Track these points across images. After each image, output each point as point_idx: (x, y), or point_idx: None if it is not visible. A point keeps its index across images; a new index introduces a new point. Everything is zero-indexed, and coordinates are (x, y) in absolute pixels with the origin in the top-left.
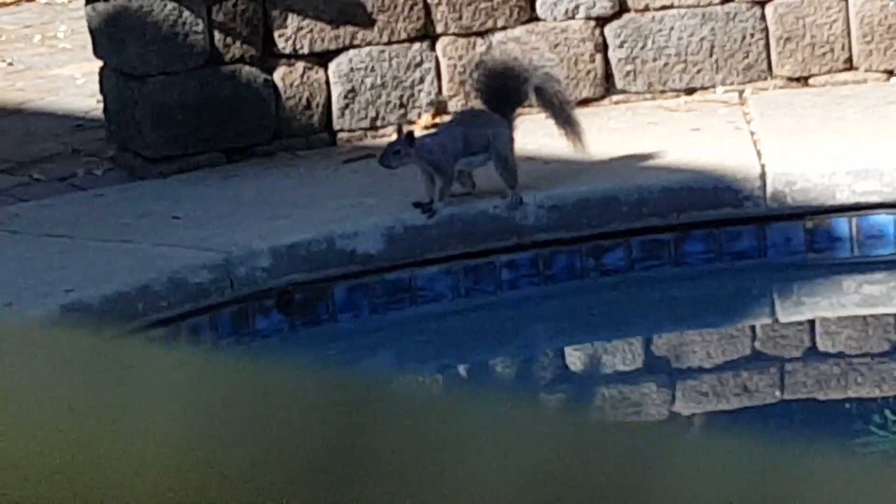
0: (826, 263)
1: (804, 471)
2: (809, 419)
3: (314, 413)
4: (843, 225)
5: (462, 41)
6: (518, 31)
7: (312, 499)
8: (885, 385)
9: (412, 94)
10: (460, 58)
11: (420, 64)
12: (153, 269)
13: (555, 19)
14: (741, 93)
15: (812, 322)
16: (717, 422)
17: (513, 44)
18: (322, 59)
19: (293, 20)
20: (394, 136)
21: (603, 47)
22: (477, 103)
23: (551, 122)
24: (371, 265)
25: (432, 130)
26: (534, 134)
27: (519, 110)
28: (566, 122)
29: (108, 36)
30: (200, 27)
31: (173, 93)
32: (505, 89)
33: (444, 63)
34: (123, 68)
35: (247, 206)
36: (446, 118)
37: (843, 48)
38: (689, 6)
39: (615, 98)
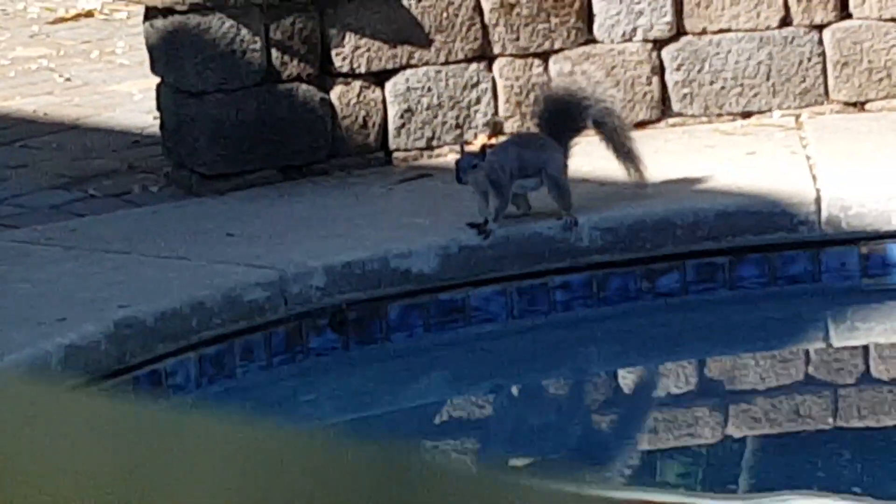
0: (881, 289)
1: None
2: (862, 445)
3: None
4: None
5: (519, 62)
6: (579, 58)
7: None
8: None
9: (468, 115)
10: (517, 79)
11: (477, 84)
12: (207, 286)
13: (612, 41)
14: (797, 117)
15: (866, 348)
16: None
17: (576, 75)
18: (379, 78)
19: (350, 39)
20: (450, 156)
21: (660, 70)
22: (534, 127)
23: (611, 154)
24: (425, 285)
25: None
26: (589, 156)
27: (576, 139)
28: (627, 157)
29: (165, 53)
30: (258, 45)
31: (230, 110)
32: (563, 117)
33: (500, 84)
34: (180, 85)
35: (302, 224)
36: (502, 139)
37: None
38: (746, 30)
39: (671, 121)
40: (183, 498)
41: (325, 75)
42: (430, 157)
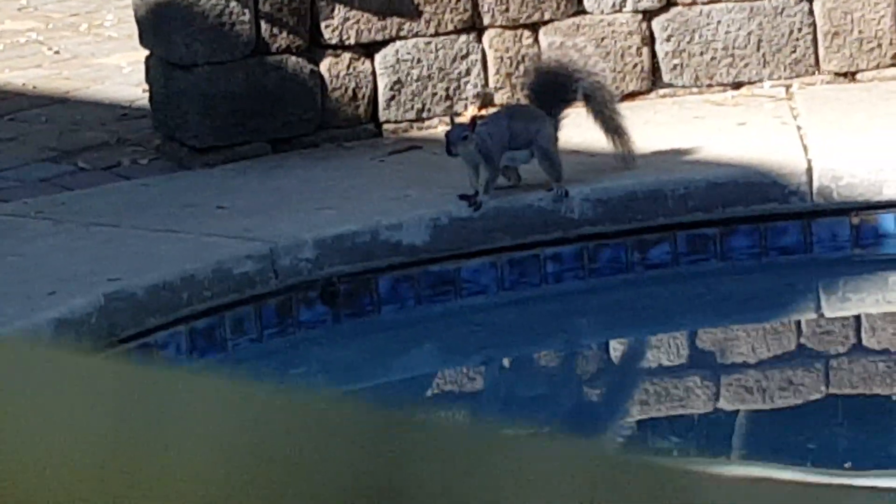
0: (872, 259)
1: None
2: (854, 415)
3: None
4: (889, 220)
5: (509, 33)
6: (569, 29)
7: None
8: None
9: (458, 86)
10: (507, 50)
11: (466, 56)
12: (198, 259)
13: (602, 12)
14: (788, 87)
15: (857, 318)
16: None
17: (568, 48)
18: (368, 50)
19: (340, 11)
20: (440, 128)
21: (650, 41)
22: (524, 99)
23: (599, 129)
24: (416, 257)
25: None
26: (580, 127)
27: (566, 111)
28: (615, 133)
29: (154, 25)
30: (247, 17)
31: (219, 83)
32: (554, 87)
33: (490, 55)
34: (170, 58)
35: (292, 196)
36: (492, 110)
37: (890, 43)
38: (736, 0)
39: (662, 92)
40: (179, 457)
41: (315, 47)
42: (420, 128)
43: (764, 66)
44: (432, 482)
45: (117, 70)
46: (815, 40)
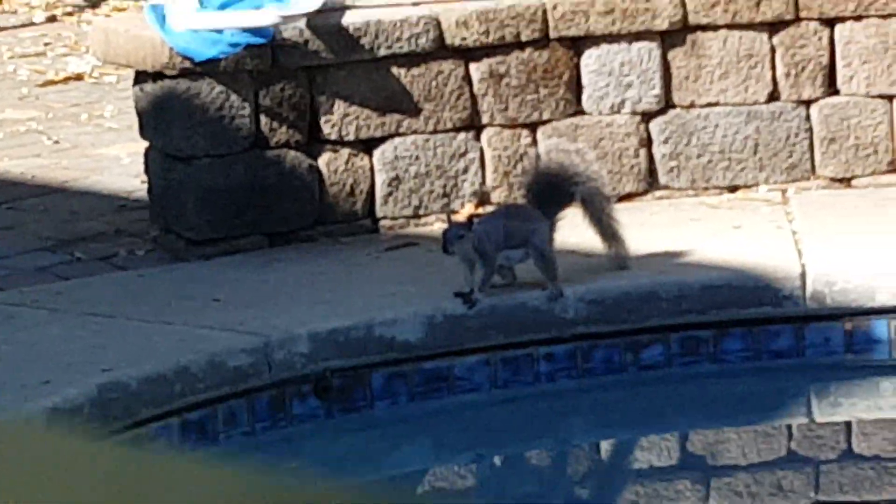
0: (864, 365)
1: None
2: None
3: None
4: (882, 327)
5: (507, 132)
6: (567, 129)
7: None
8: None
9: (455, 184)
10: (505, 149)
11: (465, 154)
12: (192, 351)
13: (600, 113)
14: (784, 192)
15: (848, 424)
16: None
17: (568, 151)
18: (367, 146)
19: (339, 106)
20: (437, 225)
21: (647, 142)
22: (521, 198)
23: (595, 233)
24: (410, 353)
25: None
26: (576, 228)
27: (563, 212)
28: (611, 238)
29: (154, 117)
30: (247, 111)
31: (218, 176)
32: (552, 190)
33: (488, 154)
34: (169, 150)
35: (288, 290)
36: (489, 209)
37: (886, 150)
38: (734, 104)
39: (658, 193)
40: None
41: (314, 142)
42: (416, 225)
43: (760, 171)
44: None
45: (116, 161)
46: (811, 146)
